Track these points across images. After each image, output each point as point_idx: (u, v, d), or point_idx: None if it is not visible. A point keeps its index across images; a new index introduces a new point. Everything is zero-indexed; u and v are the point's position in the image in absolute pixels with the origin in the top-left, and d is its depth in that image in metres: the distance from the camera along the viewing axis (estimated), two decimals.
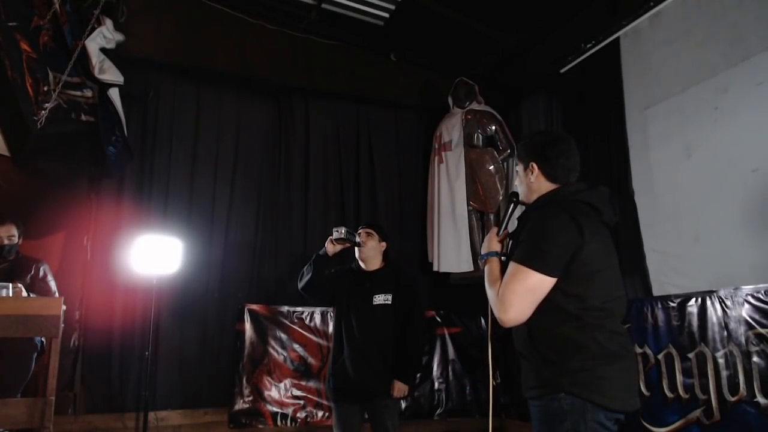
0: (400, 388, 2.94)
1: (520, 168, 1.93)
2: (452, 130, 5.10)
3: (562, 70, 4.72)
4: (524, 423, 4.76)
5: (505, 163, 5.05)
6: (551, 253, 1.66)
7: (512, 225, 1.95)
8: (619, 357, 1.69)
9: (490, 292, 1.74)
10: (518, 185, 1.95)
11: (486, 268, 1.83)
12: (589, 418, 1.62)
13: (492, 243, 1.89)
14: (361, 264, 3.17)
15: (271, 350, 4.44)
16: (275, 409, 4.34)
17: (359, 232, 3.17)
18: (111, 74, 3.97)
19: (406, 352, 3.00)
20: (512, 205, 1.97)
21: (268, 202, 4.84)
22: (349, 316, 3.06)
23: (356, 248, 3.14)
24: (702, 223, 3.43)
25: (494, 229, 1.95)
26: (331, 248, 3.05)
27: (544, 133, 1.99)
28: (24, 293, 3.06)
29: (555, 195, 1.83)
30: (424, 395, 4.85)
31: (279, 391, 4.39)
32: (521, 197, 1.94)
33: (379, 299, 3.04)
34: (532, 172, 1.86)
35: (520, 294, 1.66)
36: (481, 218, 5.06)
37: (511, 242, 1.88)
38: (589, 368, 1.65)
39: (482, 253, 1.88)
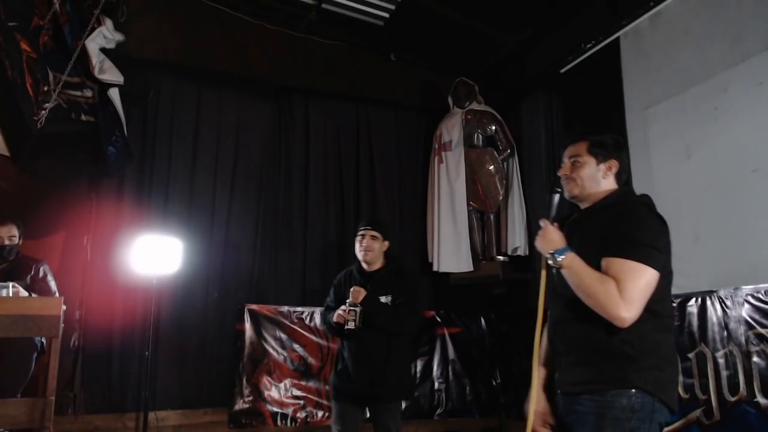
0: (360, 293, 2.92)
1: (587, 160, 1.87)
2: (452, 130, 5.10)
3: (562, 70, 4.72)
4: (524, 423, 4.76)
5: (505, 163, 5.05)
6: (659, 250, 1.68)
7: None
8: (676, 361, 1.77)
9: (600, 288, 1.64)
10: (577, 178, 1.87)
11: (573, 264, 1.70)
12: (654, 418, 1.65)
13: (557, 236, 1.77)
14: (364, 266, 3.16)
15: (271, 350, 4.43)
16: (275, 409, 4.34)
17: (362, 232, 3.14)
18: (111, 74, 3.97)
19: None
20: (557, 197, 1.90)
21: (268, 202, 4.84)
22: None
23: (360, 251, 3.12)
24: (702, 223, 3.43)
25: (546, 222, 1.83)
26: (341, 320, 2.99)
27: (618, 137, 1.96)
28: (23, 293, 3.06)
29: (627, 194, 1.87)
30: (424, 395, 4.84)
31: (279, 391, 4.38)
32: (579, 191, 1.87)
33: (384, 300, 3.03)
34: (609, 169, 1.86)
35: (642, 291, 1.63)
36: (481, 218, 5.06)
37: (574, 235, 1.80)
38: (660, 368, 1.68)
39: (549, 249, 1.75)
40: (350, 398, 3.01)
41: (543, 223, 1.83)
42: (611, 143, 1.91)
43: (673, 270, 1.77)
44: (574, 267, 1.70)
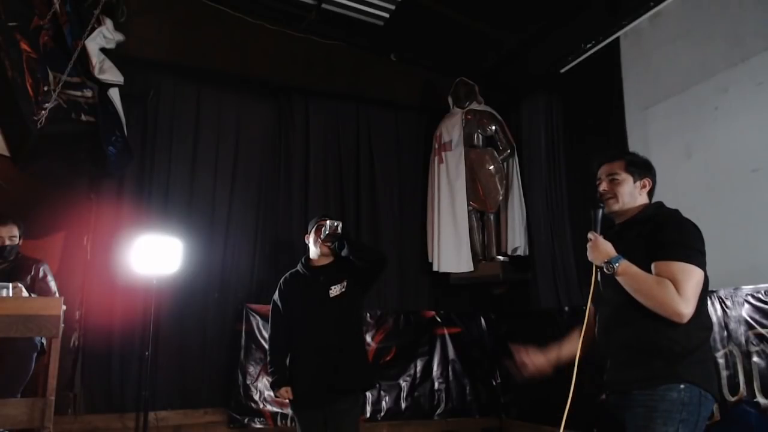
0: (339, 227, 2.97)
1: (625, 178, 2.05)
2: (452, 130, 5.10)
3: (562, 70, 4.72)
4: (524, 423, 4.77)
5: (505, 163, 5.05)
6: (703, 253, 1.90)
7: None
8: (714, 356, 1.98)
9: (658, 288, 1.81)
10: (618, 194, 2.04)
11: (629, 271, 1.87)
12: (702, 410, 1.81)
13: (608, 247, 1.94)
14: (314, 258, 3.07)
15: None
16: (275, 409, 4.34)
17: (324, 222, 3.05)
18: (111, 74, 3.97)
19: None
20: (600, 212, 2.07)
21: (268, 201, 4.84)
22: (307, 316, 2.98)
23: (316, 242, 3.05)
24: (702, 223, 3.38)
25: (595, 234, 2.01)
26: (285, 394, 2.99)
27: (648, 159, 2.17)
28: (24, 293, 3.06)
29: (662, 207, 2.05)
30: (424, 395, 4.84)
31: None
32: (619, 206, 2.05)
33: (335, 290, 2.96)
34: (644, 187, 2.07)
35: (695, 289, 1.82)
36: (481, 218, 5.06)
37: (617, 246, 1.97)
38: (705, 362, 1.88)
39: (604, 260, 1.92)
40: (310, 400, 2.91)
41: (592, 235, 2.00)
42: (644, 163, 2.12)
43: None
44: (630, 273, 1.87)
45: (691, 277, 1.81)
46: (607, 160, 2.12)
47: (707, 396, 1.82)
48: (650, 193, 2.09)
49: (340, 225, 3.00)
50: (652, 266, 1.86)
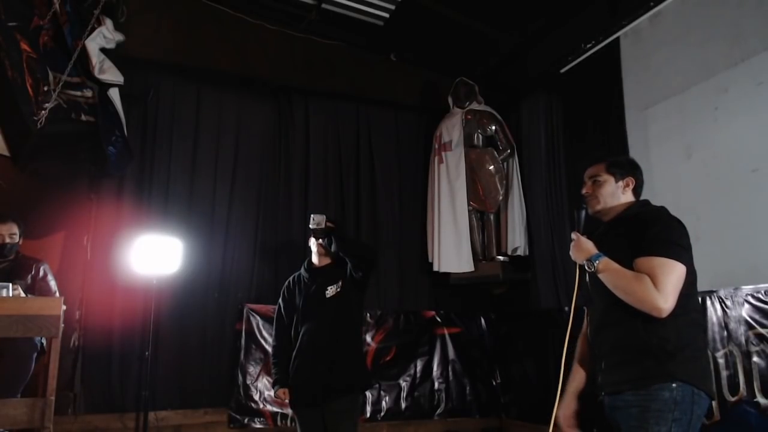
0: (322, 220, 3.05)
1: (606, 179, 2.08)
2: (452, 130, 5.10)
3: (562, 70, 4.72)
4: (524, 423, 4.77)
5: (505, 163, 5.05)
6: (687, 248, 1.88)
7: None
8: (708, 353, 1.96)
9: (636, 284, 1.81)
10: (599, 195, 2.07)
11: (609, 267, 1.89)
12: (695, 408, 1.80)
13: (590, 245, 1.97)
14: (315, 259, 3.17)
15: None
16: (275, 409, 4.34)
17: (318, 221, 3.13)
18: (111, 74, 3.97)
19: None
20: (583, 213, 2.10)
21: (268, 202, 4.84)
22: (305, 317, 3.06)
23: (316, 243, 3.13)
24: (702, 223, 3.43)
25: (578, 234, 2.04)
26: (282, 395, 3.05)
27: (632, 159, 2.22)
28: (21, 293, 3.06)
29: (647, 204, 2.06)
30: (424, 395, 4.84)
31: None
32: (601, 207, 2.08)
33: (331, 291, 3.04)
34: (627, 186, 2.08)
35: (674, 284, 1.80)
36: (481, 218, 5.06)
37: (603, 245, 1.98)
38: (698, 359, 1.85)
39: (585, 258, 1.95)
40: (307, 398, 2.96)
41: (575, 235, 2.04)
42: (627, 163, 2.15)
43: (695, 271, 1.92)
44: (610, 269, 1.89)
45: (671, 271, 1.80)
46: (590, 164, 2.16)
47: (701, 394, 1.81)
48: (636, 192, 2.10)
49: (324, 219, 3.08)
50: (634, 263, 1.86)
